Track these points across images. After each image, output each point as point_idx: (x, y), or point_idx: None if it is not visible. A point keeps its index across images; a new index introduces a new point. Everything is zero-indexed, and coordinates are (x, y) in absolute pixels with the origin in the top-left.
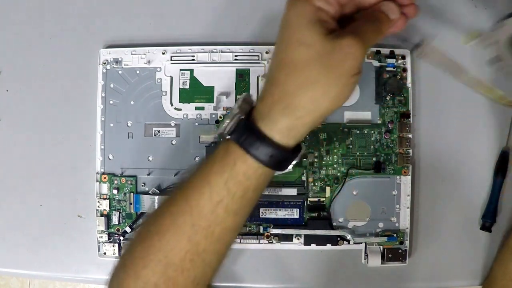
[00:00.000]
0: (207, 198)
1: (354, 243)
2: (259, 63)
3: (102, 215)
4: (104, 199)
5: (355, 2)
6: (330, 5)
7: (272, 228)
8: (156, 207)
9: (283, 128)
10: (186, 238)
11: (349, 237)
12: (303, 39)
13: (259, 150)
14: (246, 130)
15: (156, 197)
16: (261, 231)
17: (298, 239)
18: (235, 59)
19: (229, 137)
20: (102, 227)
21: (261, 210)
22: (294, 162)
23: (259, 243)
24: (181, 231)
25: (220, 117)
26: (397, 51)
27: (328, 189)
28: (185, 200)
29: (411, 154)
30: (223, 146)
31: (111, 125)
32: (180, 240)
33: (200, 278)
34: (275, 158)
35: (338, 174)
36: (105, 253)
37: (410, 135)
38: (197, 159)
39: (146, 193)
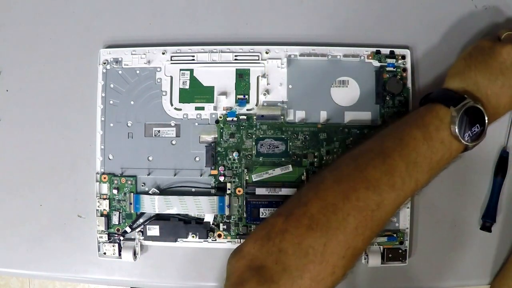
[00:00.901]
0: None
1: None
2: (259, 63)
3: (102, 215)
4: (104, 199)
5: None
6: None
7: None
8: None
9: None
10: (401, 201)
11: None
12: None
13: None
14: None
15: (156, 197)
16: None
17: None
18: (235, 59)
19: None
20: (102, 227)
21: (261, 210)
22: None
23: None
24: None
25: (220, 117)
26: (397, 51)
27: None
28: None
29: None
30: (451, 142)
31: (111, 125)
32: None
33: None
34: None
35: None
36: (105, 253)
37: None
38: (197, 159)
39: (146, 193)
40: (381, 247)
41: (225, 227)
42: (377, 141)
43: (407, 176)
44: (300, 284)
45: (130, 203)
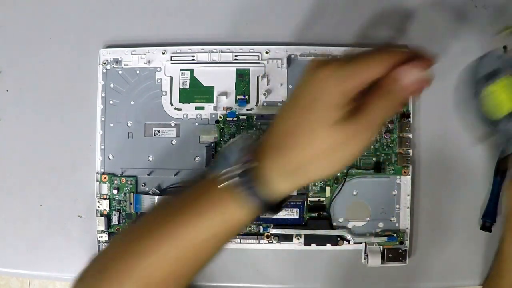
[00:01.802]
0: (198, 234)
1: (354, 243)
2: (259, 63)
3: (102, 215)
4: (104, 199)
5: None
6: (358, 87)
7: (272, 228)
8: (133, 224)
9: (287, 187)
10: (169, 264)
11: (349, 237)
12: (319, 119)
13: (259, 203)
14: (253, 183)
15: (156, 197)
16: (261, 231)
17: (298, 239)
18: (235, 59)
19: (229, 181)
20: (102, 227)
21: None
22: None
23: (259, 243)
24: (165, 258)
25: (220, 117)
26: None
27: (328, 189)
28: (174, 229)
29: (411, 154)
30: (219, 187)
31: (111, 125)
32: (163, 264)
33: None
34: (269, 209)
35: (338, 174)
36: None
37: (410, 135)
38: (197, 159)
39: (146, 193)
40: (381, 247)
41: None
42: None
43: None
44: None
45: (130, 203)
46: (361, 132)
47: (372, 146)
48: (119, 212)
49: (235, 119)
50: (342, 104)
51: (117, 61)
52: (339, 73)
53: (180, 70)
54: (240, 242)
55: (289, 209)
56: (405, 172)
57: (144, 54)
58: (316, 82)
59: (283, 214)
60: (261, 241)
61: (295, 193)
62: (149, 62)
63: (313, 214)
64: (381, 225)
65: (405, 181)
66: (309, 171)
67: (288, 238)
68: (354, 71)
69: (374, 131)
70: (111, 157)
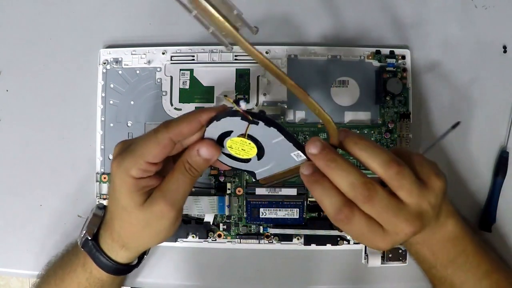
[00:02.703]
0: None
1: (354, 243)
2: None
3: None
4: (104, 199)
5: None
6: (148, 171)
7: (272, 228)
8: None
9: (123, 257)
10: None
11: (349, 237)
12: (125, 206)
13: (106, 266)
14: (95, 249)
15: None
16: (261, 231)
17: (298, 239)
18: (235, 59)
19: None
20: None
21: (261, 210)
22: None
23: (259, 243)
24: None
25: None
26: (397, 51)
27: None
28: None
29: None
30: (82, 253)
31: (111, 125)
32: None
33: None
34: (117, 271)
35: None
36: None
37: (410, 135)
38: None
39: None
40: None
41: (225, 227)
42: None
43: None
44: None
45: None
46: (164, 212)
47: None
48: None
49: None
50: (139, 187)
51: (117, 61)
52: (122, 166)
53: (180, 70)
54: (240, 242)
55: (289, 209)
56: None
57: (144, 54)
58: (111, 178)
59: (283, 214)
60: (261, 241)
61: (295, 193)
62: (149, 62)
63: (313, 214)
64: None
65: None
66: (135, 244)
67: (288, 238)
68: (135, 158)
69: (172, 208)
70: (111, 157)
